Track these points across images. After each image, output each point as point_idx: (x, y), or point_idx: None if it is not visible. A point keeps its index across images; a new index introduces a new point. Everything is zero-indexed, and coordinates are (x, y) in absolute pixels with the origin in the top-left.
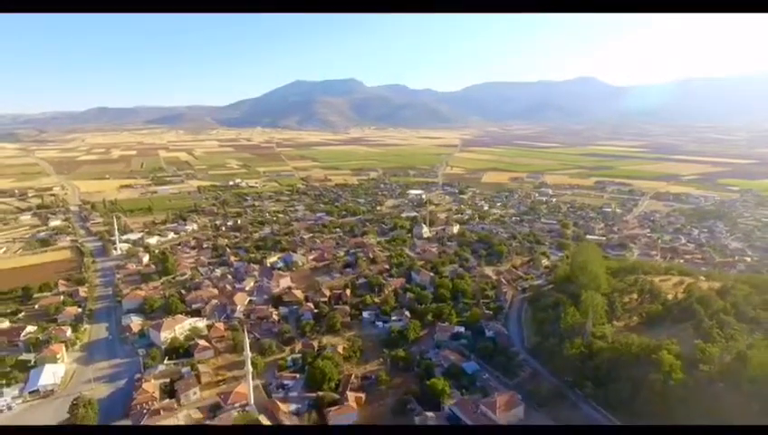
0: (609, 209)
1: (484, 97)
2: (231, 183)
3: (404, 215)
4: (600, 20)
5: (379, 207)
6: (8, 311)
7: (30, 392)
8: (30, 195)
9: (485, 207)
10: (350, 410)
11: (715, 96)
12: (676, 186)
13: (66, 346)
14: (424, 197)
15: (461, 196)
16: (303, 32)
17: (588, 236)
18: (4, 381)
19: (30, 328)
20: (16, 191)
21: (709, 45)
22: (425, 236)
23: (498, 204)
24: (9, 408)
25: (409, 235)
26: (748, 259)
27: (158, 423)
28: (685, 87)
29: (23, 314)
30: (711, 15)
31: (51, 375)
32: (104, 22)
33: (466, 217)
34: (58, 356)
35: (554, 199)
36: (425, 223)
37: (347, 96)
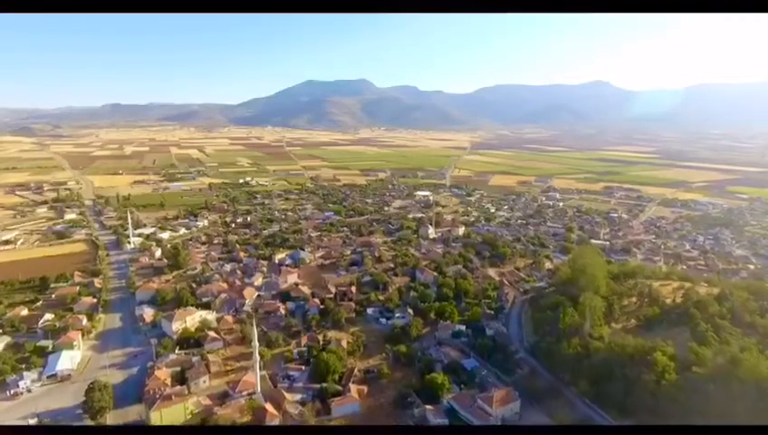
0: (616, 215)
1: (496, 99)
2: (241, 181)
3: (411, 216)
4: (615, 23)
5: (386, 208)
6: (26, 299)
7: (48, 376)
8: (46, 188)
9: (492, 210)
10: (352, 400)
11: (731, 102)
12: (684, 192)
13: (82, 334)
14: (431, 198)
15: (468, 198)
16: (316, 32)
17: (592, 241)
18: (23, 366)
19: (47, 316)
20: (32, 185)
21: (727, 50)
22: (431, 236)
23: (505, 207)
24: (29, 390)
25: (415, 235)
26: (752, 266)
27: (169, 407)
28: (700, 92)
29: (40, 302)
30: (729, 19)
31: (68, 361)
32: (118, 20)
33: (472, 219)
34: (75, 343)
35: (561, 204)
36: (431, 224)
37: (357, 96)
